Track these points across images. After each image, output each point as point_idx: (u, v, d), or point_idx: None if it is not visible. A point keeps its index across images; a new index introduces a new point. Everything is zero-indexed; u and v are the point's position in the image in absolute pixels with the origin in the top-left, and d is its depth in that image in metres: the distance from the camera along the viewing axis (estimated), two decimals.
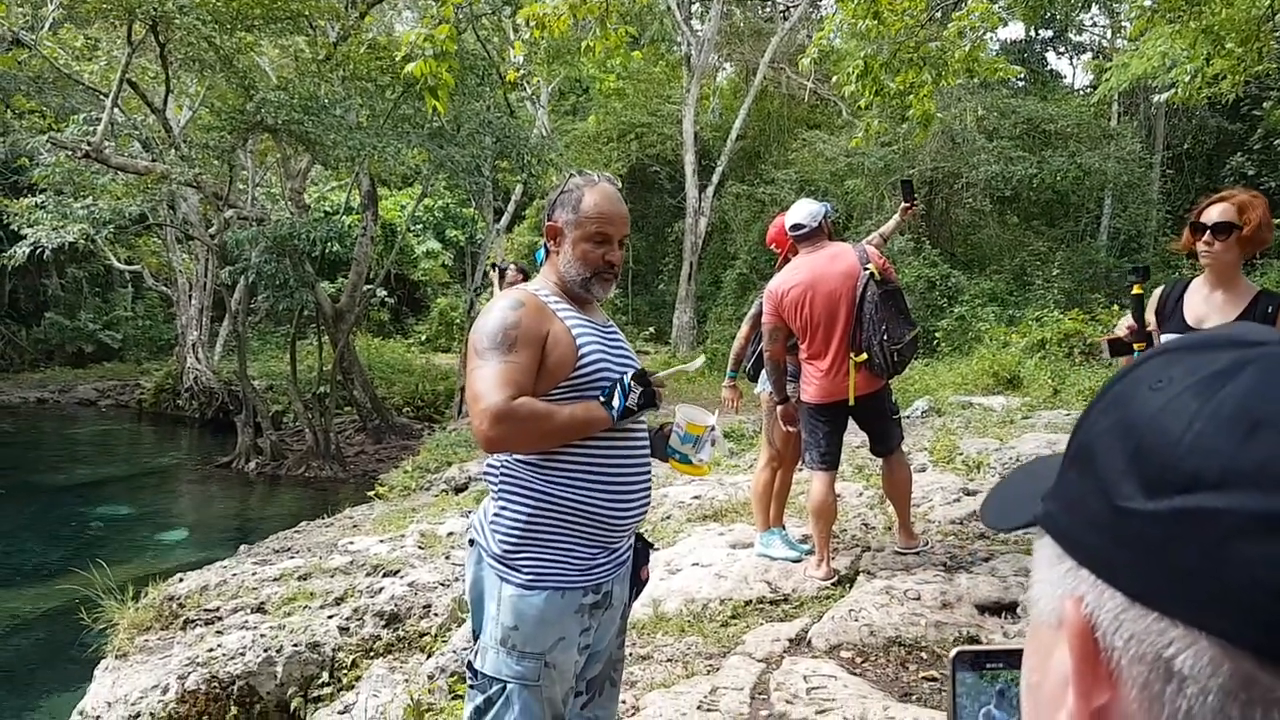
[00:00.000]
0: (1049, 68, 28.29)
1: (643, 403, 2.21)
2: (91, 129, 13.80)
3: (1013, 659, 0.76)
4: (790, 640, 4.10)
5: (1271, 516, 0.42)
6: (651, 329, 23.77)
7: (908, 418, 10.41)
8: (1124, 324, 3.35)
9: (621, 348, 2.42)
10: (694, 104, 22.23)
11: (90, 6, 12.55)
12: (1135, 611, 0.46)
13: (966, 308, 17.18)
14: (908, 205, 5.12)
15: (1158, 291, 3.45)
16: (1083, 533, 0.50)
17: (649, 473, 2.39)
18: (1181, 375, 0.49)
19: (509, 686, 2.17)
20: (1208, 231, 3.21)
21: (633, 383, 2.21)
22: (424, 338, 26.01)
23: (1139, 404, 0.50)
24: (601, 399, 2.21)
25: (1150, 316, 3.36)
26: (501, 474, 2.27)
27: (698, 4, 25.00)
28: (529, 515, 2.22)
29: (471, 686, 2.26)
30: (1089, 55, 27.31)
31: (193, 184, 13.81)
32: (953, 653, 0.78)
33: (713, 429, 2.44)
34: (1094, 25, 27.12)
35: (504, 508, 2.25)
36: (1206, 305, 3.29)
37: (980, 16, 6.96)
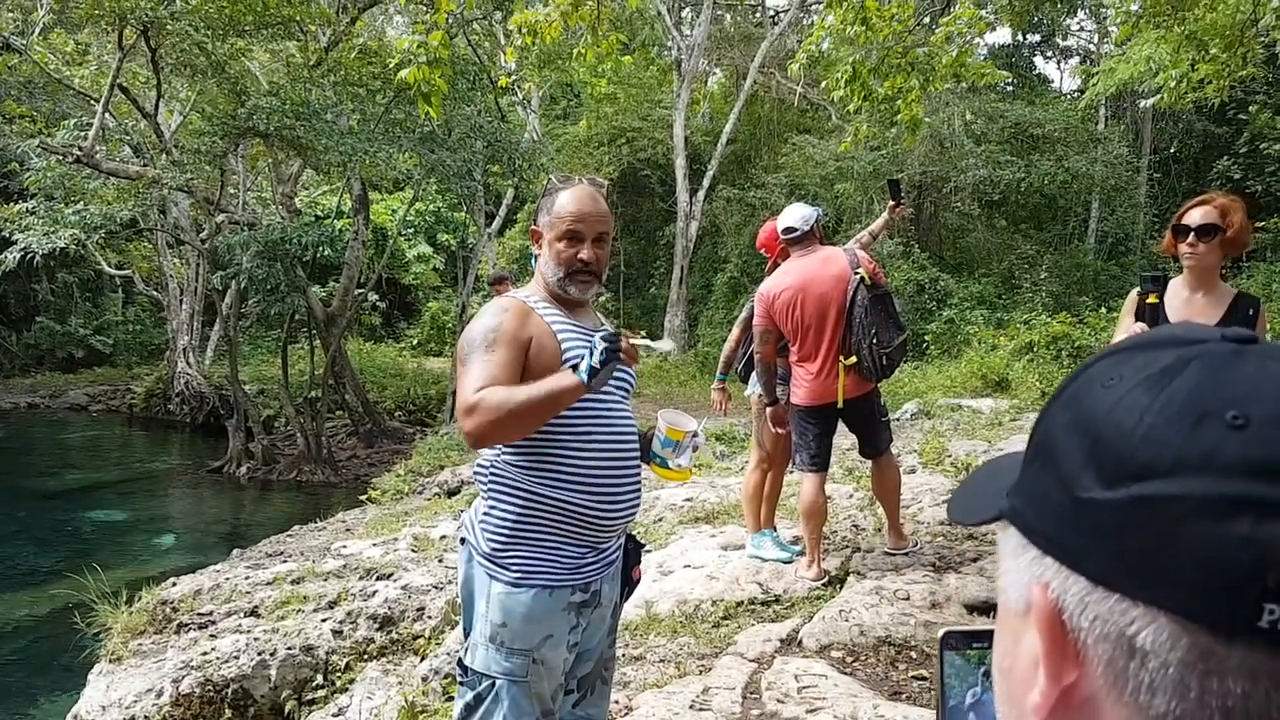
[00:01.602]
0: (1036, 72, 28.42)
1: (605, 359, 2.10)
2: (82, 134, 13.79)
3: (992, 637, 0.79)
4: (781, 640, 4.15)
5: (1218, 500, 0.46)
6: (643, 332, 23.79)
7: (897, 420, 10.47)
8: (1135, 331, 3.31)
9: None
10: (684, 108, 22.28)
11: (82, 12, 12.55)
12: (1099, 594, 0.50)
13: (955, 311, 17.25)
14: (895, 204, 5.17)
15: (1134, 293, 3.48)
16: (1045, 523, 0.53)
17: (638, 474, 2.41)
18: (1131, 373, 0.53)
19: (498, 682, 2.21)
20: (1191, 234, 3.25)
21: (599, 339, 2.13)
22: (415, 342, 26.01)
23: (1093, 401, 0.53)
24: (570, 365, 2.16)
25: (1130, 320, 3.39)
26: (491, 473, 2.30)
27: (688, 9, 25.07)
28: (517, 514, 2.25)
29: (461, 683, 2.30)
30: (1076, 60, 27.47)
31: (184, 189, 13.82)
32: (941, 633, 0.81)
33: (695, 435, 2.42)
34: (1081, 30, 27.30)
35: (493, 506, 2.29)
36: (1188, 307, 3.32)
37: (967, 22, 7.02)
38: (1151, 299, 3.33)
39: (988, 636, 0.79)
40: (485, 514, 2.30)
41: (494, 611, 2.23)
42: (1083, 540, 0.51)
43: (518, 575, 2.23)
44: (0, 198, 18.87)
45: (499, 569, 2.25)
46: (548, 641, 2.23)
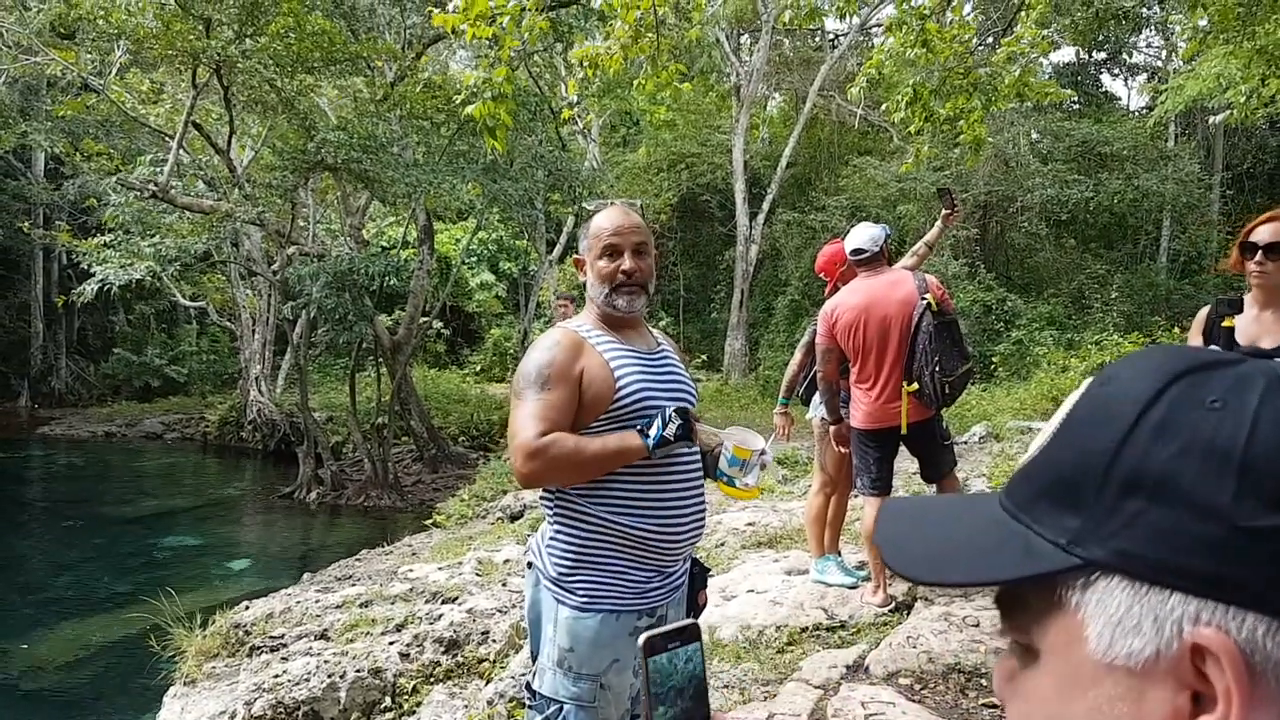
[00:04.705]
0: (1103, 90, 27.98)
1: (679, 434, 2.20)
2: (158, 170, 14.20)
3: (683, 635, 0.87)
4: (847, 667, 4.09)
5: None
6: (704, 356, 23.82)
7: (964, 443, 10.31)
8: None
9: (672, 373, 2.44)
10: (744, 133, 22.32)
11: (156, 52, 12.94)
12: None
13: (1024, 332, 16.98)
14: (949, 212, 5.12)
15: (1203, 313, 3.41)
16: (1193, 562, 0.49)
17: (702, 497, 2.41)
18: (1233, 394, 0.51)
19: (565, 707, 2.23)
20: (1260, 252, 3.17)
21: (673, 413, 2.21)
22: (479, 368, 26.27)
23: (1209, 425, 0.51)
24: (639, 428, 2.23)
25: (1199, 341, 3.32)
26: (556, 499, 2.32)
27: (746, 36, 25.16)
28: (582, 540, 2.27)
29: (530, 706, 2.32)
30: (1144, 77, 26.98)
31: (256, 222, 14.15)
32: (641, 640, 0.86)
33: (762, 453, 2.41)
34: (1148, 47, 26.84)
35: (559, 532, 2.31)
36: (1257, 325, 3.24)
37: (1030, 41, 6.95)
38: (1227, 322, 3.26)
39: (675, 636, 0.88)
40: (551, 539, 2.33)
41: (561, 636, 2.25)
42: (1261, 573, 0.48)
43: (584, 600, 2.25)
44: (79, 232, 19.54)
45: (565, 593, 2.27)
46: (614, 666, 2.24)
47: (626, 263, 2.36)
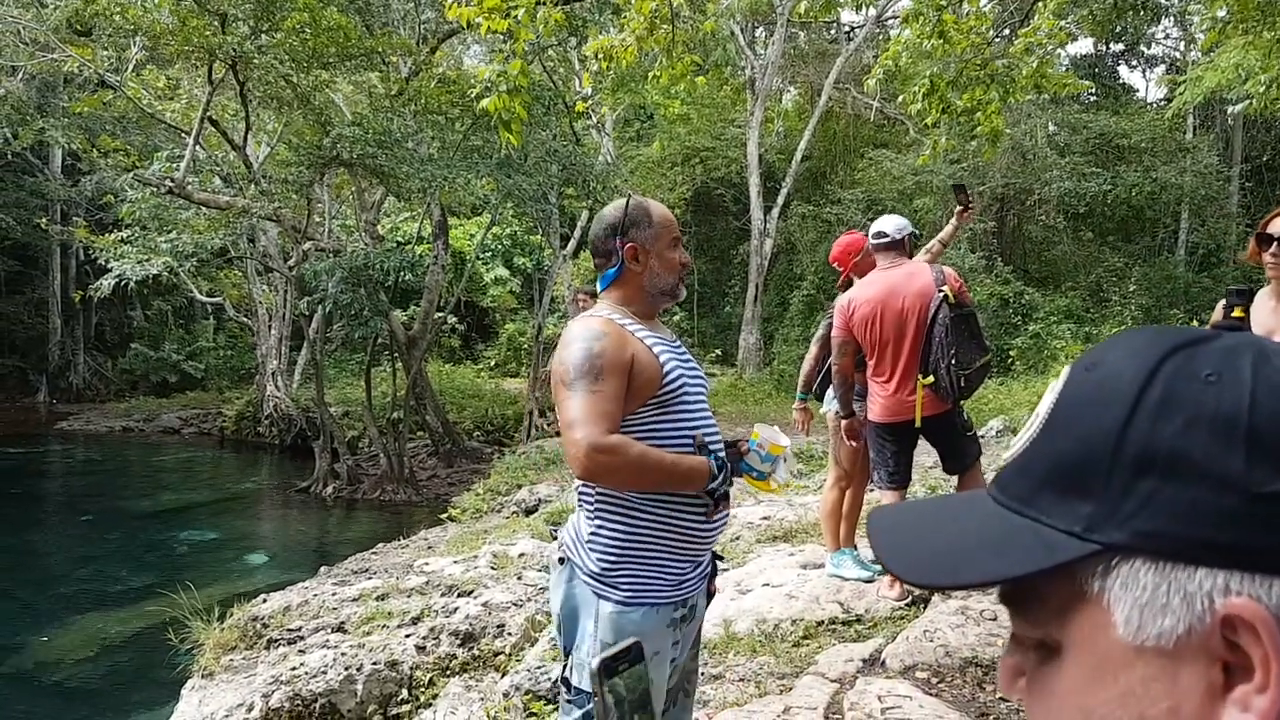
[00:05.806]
0: (1121, 82, 27.78)
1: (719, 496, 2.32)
2: (175, 166, 14.27)
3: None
4: (864, 660, 4.08)
5: None
6: (718, 351, 23.77)
7: (981, 437, 10.25)
8: None
9: (691, 362, 2.45)
10: (758, 126, 22.23)
11: (173, 48, 12.99)
12: None
13: (1041, 325, 16.91)
14: (962, 209, 5.08)
15: (1220, 305, 3.38)
16: (1216, 534, 0.49)
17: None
18: (1225, 366, 0.51)
19: None
20: (1277, 243, 3.14)
21: (729, 474, 2.31)
22: (493, 363, 26.30)
23: (1210, 398, 0.51)
24: (715, 469, 2.26)
25: None
26: (598, 494, 2.29)
27: (761, 29, 25.06)
28: (627, 534, 2.25)
29: (568, 701, 2.28)
30: (1162, 68, 26.79)
31: (272, 218, 14.20)
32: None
33: (787, 449, 2.50)
34: (1166, 38, 26.63)
35: (601, 526, 2.27)
36: (1274, 318, 3.21)
37: (1047, 33, 6.90)
38: (1237, 313, 3.22)
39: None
40: (593, 534, 2.28)
41: (604, 631, 2.22)
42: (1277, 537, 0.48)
43: (628, 594, 2.23)
44: (96, 228, 19.66)
45: (608, 588, 2.24)
46: (655, 659, 2.21)
47: (686, 255, 2.46)
